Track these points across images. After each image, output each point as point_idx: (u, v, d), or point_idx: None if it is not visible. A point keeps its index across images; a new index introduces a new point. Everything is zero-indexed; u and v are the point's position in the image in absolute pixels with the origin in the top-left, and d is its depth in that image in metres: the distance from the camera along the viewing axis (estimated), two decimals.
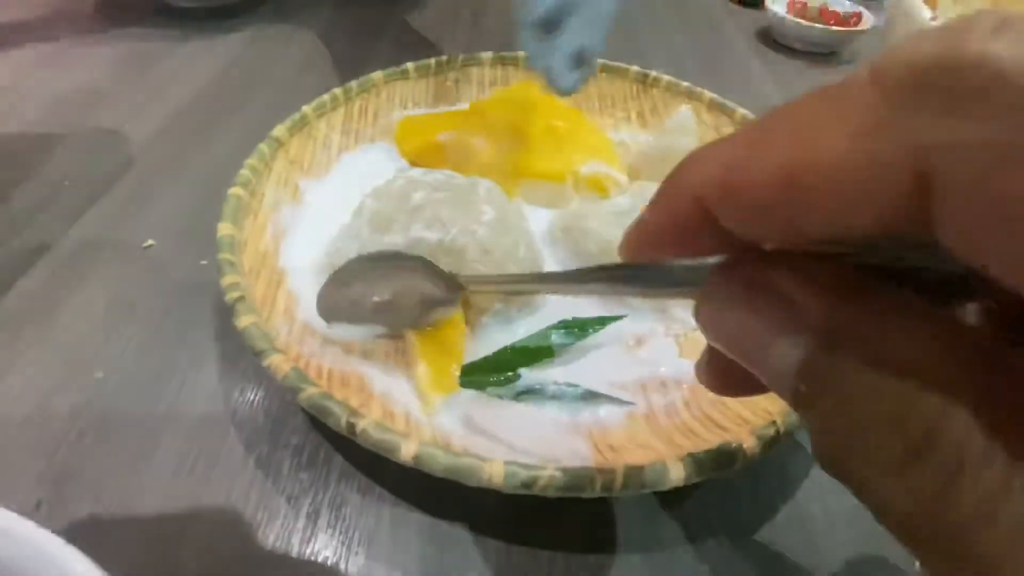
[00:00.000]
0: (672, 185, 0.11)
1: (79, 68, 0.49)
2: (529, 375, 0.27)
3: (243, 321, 0.23)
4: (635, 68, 0.43)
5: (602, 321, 0.28)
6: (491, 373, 0.26)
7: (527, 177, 0.35)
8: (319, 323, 0.27)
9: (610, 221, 0.29)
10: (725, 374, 0.13)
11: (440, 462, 0.19)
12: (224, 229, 0.27)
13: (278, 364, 0.21)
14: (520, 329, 0.29)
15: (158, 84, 0.48)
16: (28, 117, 0.43)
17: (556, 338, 0.28)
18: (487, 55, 0.44)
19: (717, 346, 0.11)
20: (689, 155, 0.10)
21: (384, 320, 0.26)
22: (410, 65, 0.41)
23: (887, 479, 0.07)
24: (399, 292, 0.25)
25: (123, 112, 0.44)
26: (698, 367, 0.14)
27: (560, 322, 0.28)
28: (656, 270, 0.13)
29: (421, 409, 0.24)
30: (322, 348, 0.26)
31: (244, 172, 0.30)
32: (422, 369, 0.25)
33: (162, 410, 0.26)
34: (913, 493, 0.07)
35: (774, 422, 0.21)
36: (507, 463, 0.19)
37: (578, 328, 0.28)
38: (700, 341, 0.12)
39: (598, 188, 0.35)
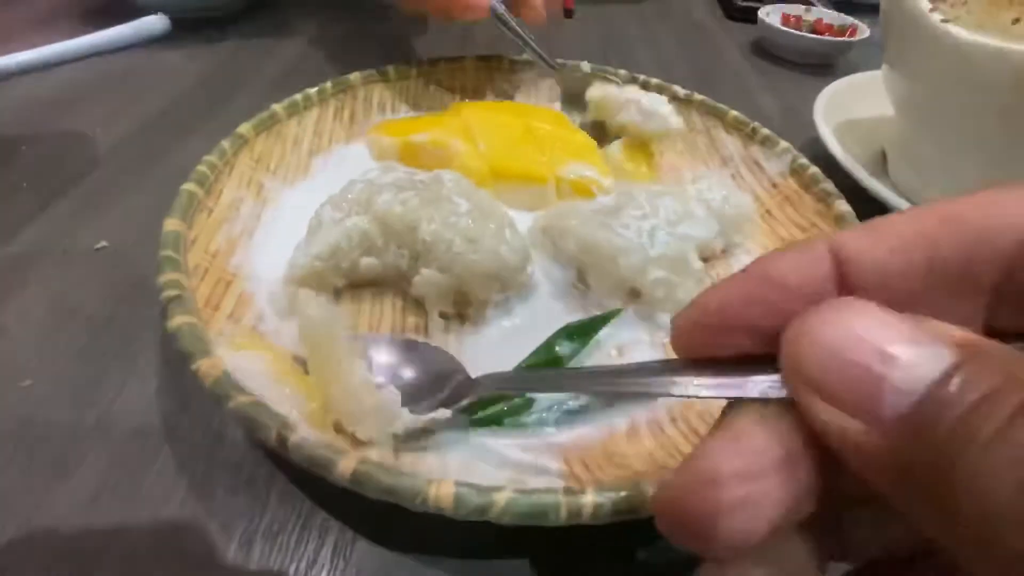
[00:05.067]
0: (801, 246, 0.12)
1: (58, 72, 0.48)
2: (541, 397, 0.24)
3: (176, 321, 0.21)
4: (624, 71, 0.42)
5: (604, 319, 0.26)
6: (501, 403, 0.23)
7: (507, 180, 0.33)
8: (269, 327, 0.25)
9: (590, 219, 0.27)
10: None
11: (380, 482, 0.16)
12: (170, 225, 0.25)
13: (207, 369, 0.19)
14: (518, 318, 0.27)
15: (135, 90, 0.47)
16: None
17: (561, 348, 0.25)
18: (470, 58, 0.42)
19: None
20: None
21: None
22: (390, 67, 0.40)
23: None
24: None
25: (95, 116, 0.43)
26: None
27: (562, 329, 0.26)
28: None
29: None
30: None
31: (201, 168, 0.28)
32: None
33: (90, 422, 0.23)
34: None
35: None
36: (458, 484, 0.16)
37: (581, 333, 0.25)
38: None
39: (581, 191, 0.33)
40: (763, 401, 0.11)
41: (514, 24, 0.38)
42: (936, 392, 0.09)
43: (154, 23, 0.53)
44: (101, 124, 0.42)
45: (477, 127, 0.35)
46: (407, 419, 0.20)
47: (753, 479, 0.10)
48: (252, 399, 0.18)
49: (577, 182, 0.33)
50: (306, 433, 0.17)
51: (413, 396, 0.21)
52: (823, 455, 0.10)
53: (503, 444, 0.22)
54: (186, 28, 0.55)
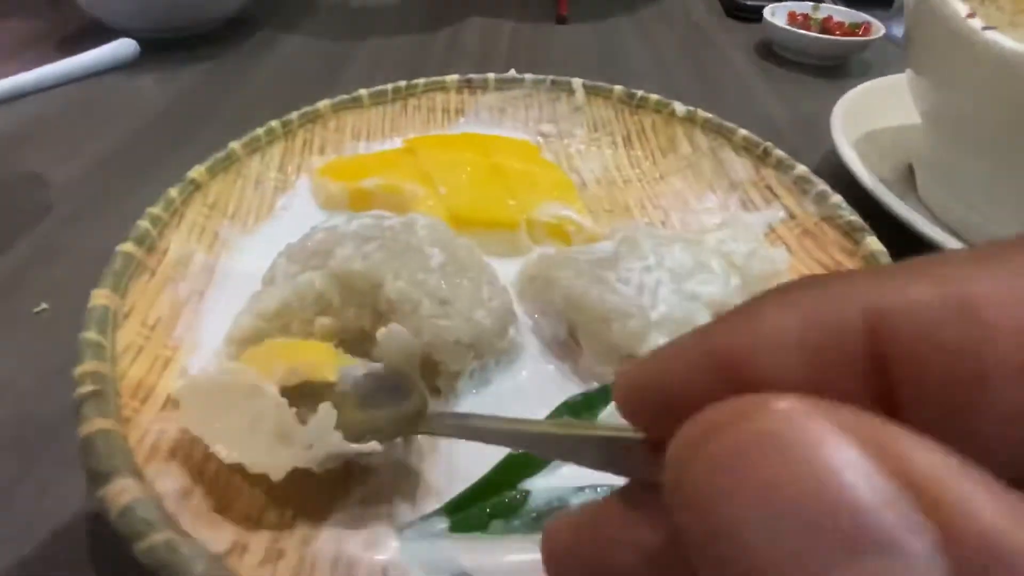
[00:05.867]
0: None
1: (20, 105, 0.45)
2: (539, 489, 0.20)
3: (87, 427, 0.17)
4: (619, 88, 0.38)
5: (608, 393, 0.22)
6: (489, 499, 0.19)
7: (473, 227, 0.29)
8: None
9: (582, 271, 0.23)
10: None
11: None
12: (98, 298, 0.22)
13: (115, 495, 0.16)
14: (498, 387, 0.23)
15: (96, 123, 0.44)
16: None
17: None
18: (452, 78, 0.39)
19: None
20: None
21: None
22: (363, 92, 0.37)
23: None
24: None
25: (54, 153, 0.40)
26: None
27: (562, 405, 0.22)
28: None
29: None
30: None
31: (142, 223, 0.25)
32: None
33: (7, 530, 0.20)
34: None
35: None
36: None
37: (586, 408, 0.22)
38: None
39: (558, 234, 0.29)
40: None
41: None
42: None
43: (121, 49, 0.50)
44: (58, 162, 0.39)
45: (435, 168, 0.31)
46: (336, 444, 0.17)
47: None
48: (168, 537, 0.15)
49: (552, 224, 0.29)
50: None
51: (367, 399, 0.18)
52: None
53: (485, 559, 0.18)
54: (159, 50, 0.52)
